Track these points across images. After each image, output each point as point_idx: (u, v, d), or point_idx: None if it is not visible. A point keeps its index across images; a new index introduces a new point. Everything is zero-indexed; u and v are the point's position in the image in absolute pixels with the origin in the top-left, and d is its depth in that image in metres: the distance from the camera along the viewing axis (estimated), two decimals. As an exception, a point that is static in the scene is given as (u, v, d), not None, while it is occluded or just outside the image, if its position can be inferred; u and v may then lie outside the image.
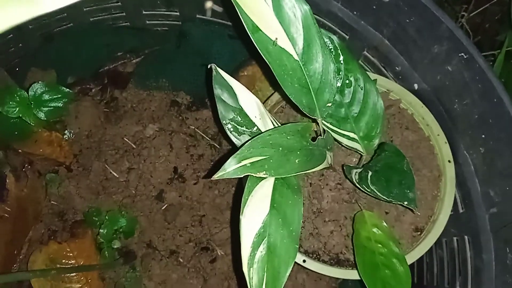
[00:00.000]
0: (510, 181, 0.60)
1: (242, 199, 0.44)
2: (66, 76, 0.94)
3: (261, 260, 0.42)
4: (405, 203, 0.52)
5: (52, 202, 0.87)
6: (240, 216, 0.43)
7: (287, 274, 0.42)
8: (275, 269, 0.42)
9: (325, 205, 0.69)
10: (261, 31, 0.44)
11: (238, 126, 0.54)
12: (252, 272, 0.42)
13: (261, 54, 0.44)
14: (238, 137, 0.54)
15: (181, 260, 0.85)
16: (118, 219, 0.82)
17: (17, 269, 0.81)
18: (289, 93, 0.48)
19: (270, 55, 0.45)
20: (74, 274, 0.79)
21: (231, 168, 0.42)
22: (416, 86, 0.74)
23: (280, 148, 0.45)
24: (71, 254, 0.80)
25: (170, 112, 0.93)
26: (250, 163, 0.43)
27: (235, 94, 0.53)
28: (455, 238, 0.72)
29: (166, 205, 0.87)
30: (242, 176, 0.42)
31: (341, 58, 0.57)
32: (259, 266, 0.42)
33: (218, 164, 0.90)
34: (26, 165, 0.86)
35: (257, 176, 0.44)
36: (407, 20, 0.67)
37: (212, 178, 0.42)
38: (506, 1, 0.89)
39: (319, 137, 0.53)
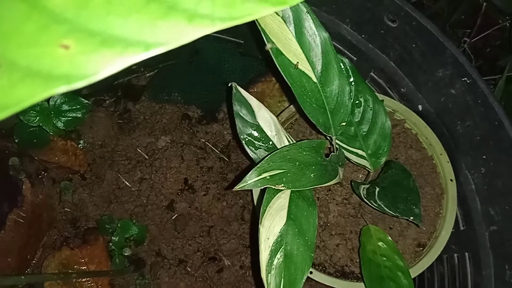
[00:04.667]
0: (510, 200, 0.63)
1: (261, 209, 0.47)
2: (82, 88, 0.97)
3: (278, 267, 0.45)
4: (411, 218, 0.55)
5: (65, 209, 0.89)
6: (259, 226, 0.46)
7: (303, 280, 0.45)
8: (292, 275, 0.45)
9: (331, 219, 0.71)
10: (284, 55, 0.47)
11: (254, 141, 0.57)
12: (270, 278, 0.45)
13: (283, 76, 0.47)
14: (255, 151, 0.57)
15: (189, 269, 0.87)
16: (130, 227, 0.85)
17: (31, 273, 0.83)
18: (307, 112, 0.51)
19: (291, 77, 0.48)
20: (85, 279, 0.81)
21: (252, 180, 0.45)
22: (420, 107, 0.77)
23: (297, 163, 0.48)
24: (82, 260, 0.83)
25: (181, 125, 0.96)
26: (269, 176, 0.46)
27: (253, 111, 0.56)
28: (455, 255, 0.74)
29: (176, 215, 0.90)
30: (262, 187, 0.45)
31: (352, 79, 0.61)
32: (277, 272, 0.45)
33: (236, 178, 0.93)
34: (42, 172, 0.89)
35: (275, 188, 0.47)
36: (413, 45, 0.71)
37: (234, 189, 0.45)
38: (507, 27, 0.93)
39: (332, 153, 0.56)
